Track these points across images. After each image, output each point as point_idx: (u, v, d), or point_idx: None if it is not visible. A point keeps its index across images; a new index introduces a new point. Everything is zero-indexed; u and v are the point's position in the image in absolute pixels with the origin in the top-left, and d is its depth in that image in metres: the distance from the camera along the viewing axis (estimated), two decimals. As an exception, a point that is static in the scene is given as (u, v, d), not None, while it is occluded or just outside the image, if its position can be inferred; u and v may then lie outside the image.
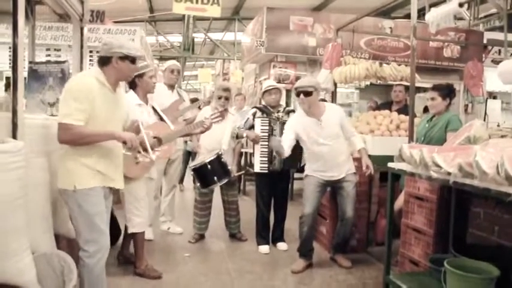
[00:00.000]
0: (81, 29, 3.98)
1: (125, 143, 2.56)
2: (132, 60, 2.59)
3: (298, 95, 3.67)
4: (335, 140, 3.69)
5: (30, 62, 4.06)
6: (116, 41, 2.60)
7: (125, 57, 2.55)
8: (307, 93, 3.62)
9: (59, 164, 2.58)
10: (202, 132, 3.70)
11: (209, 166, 4.00)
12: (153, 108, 3.71)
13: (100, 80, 2.53)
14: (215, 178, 4.03)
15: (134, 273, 3.52)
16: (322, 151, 3.68)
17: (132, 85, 3.61)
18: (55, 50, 6.68)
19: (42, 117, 2.78)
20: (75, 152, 2.49)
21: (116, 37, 2.64)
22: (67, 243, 3.09)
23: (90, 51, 6.55)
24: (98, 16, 6.53)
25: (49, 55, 6.48)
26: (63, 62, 4.25)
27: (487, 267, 2.23)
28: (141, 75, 3.56)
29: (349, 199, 3.75)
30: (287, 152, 3.61)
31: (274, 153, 4.03)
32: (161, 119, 3.64)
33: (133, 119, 2.98)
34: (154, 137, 3.34)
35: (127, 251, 3.75)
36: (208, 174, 4.04)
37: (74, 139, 2.44)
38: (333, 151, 3.68)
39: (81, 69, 4.11)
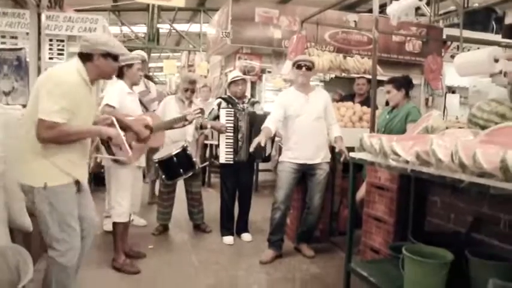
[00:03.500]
0: (39, 15, 3.84)
1: (110, 139, 2.55)
2: (115, 57, 2.53)
3: (299, 67, 3.77)
4: (316, 120, 3.73)
5: (-18, 49, 3.88)
6: (99, 38, 2.53)
7: (107, 55, 2.48)
8: (309, 68, 3.78)
9: (21, 159, 2.41)
10: (183, 126, 3.78)
11: (175, 159, 3.94)
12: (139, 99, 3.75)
13: (83, 77, 2.44)
14: (181, 171, 3.99)
15: (112, 267, 3.45)
16: (302, 126, 3.70)
17: (120, 74, 3.53)
18: (11, 37, 6.41)
19: (-4, 106, 2.66)
20: (44, 151, 2.34)
21: (97, 33, 2.56)
22: (23, 237, 2.99)
23: (50, 40, 6.34)
24: (57, 2, 6.30)
25: (4, 43, 6.21)
26: (20, 49, 4.10)
27: (442, 253, 2.30)
28: (129, 66, 3.54)
29: (319, 187, 3.81)
30: (274, 129, 3.67)
31: (240, 143, 4.05)
32: (146, 108, 3.62)
33: (105, 115, 2.90)
34: (146, 126, 3.36)
35: (125, 244, 3.66)
36: (174, 167, 3.98)
37: (58, 137, 2.32)
38: (313, 129, 3.72)
39: (39, 57, 3.94)
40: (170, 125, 3.70)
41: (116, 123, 2.78)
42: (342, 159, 3.72)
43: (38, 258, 3.34)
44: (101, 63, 2.47)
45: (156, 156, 4.05)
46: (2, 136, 2.55)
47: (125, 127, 3.03)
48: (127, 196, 3.43)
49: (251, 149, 3.49)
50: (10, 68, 3.88)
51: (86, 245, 2.74)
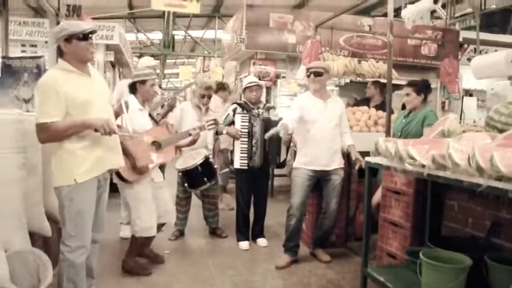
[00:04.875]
0: (58, 23, 3.93)
1: (96, 130, 2.46)
2: (79, 37, 2.47)
3: (309, 75, 3.80)
4: (334, 127, 3.74)
5: (3, 57, 3.98)
6: (56, 28, 2.54)
7: (69, 38, 2.46)
8: (318, 74, 3.77)
9: (53, 163, 2.54)
10: (193, 143, 3.78)
11: (200, 168, 3.98)
12: (149, 113, 3.71)
13: (65, 68, 2.49)
14: (205, 179, 4.01)
15: (122, 268, 3.49)
16: (320, 132, 3.70)
17: (133, 90, 3.56)
18: (31, 46, 6.54)
19: (16, 113, 2.72)
20: (68, 142, 2.46)
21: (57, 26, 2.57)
22: (43, 242, 3.04)
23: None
24: (75, 10, 6.41)
25: (24, 51, 6.35)
26: (39, 57, 4.17)
27: (460, 258, 2.27)
28: (143, 82, 3.53)
29: (334, 193, 3.80)
30: (292, 127, 3.68)
31: (254, 149, 4.06)
32: (156, 124, 3.65)
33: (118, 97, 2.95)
34: (153, 142, 3.37)
35: (147, 248, 3.70)
36: (198, 176, 4.01)
37: (51, 136, 2.43)
38: (329, 136, 3.71)
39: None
40: (178, 139, 3.65)
41: (123, 106, 2.79)
42: (357, 167, 3.69)
43: (57, 262, 3.39)
44: (69, 49, 2.48)
45: (179, 166, 4.07)
46: (23, 143, 2.60)
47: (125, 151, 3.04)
48: (147, 212, 3.35)
49: (266, 136, 3.62)
50: (30, 76, 3.95)
51: (96, 250, 2.82)
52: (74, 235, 2.51)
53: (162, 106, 4.80)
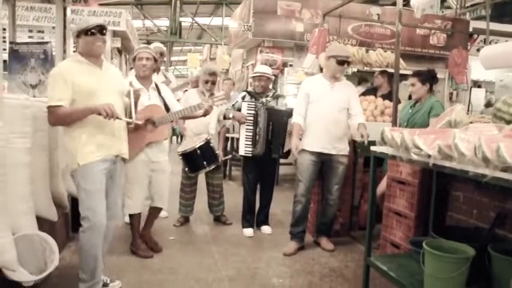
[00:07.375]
0: (64, 9, 3.93)
1: (99, 114, 2.56)
2: (86, 33, 2.62)
3: (342, 63, 3.70)
4: (339, 110, 3.70)
5: (11, 43, 3.98)
6: (73, 26, 2.79)
7: (79, 34, 2.65)
8: (349, 63, 3.86)
9: (65, 150, 2.75)
10: (203, 115, 3.57)
11: (199, 151, 3.99)
12: (158, 89, 3.60)
13: (78, 60, 2.68)
14: (204, 163, 4.03)
15: (130, 250, 3.64)
16: (323, 114, 3.68)
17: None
18: (38, 31, 6.56)
19: (23, 98, 2.73)
20: (72, 129, 2.62)
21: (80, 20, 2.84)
22: (50, 226, 3.08)
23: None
24: (82, -4, 6.42)
25: (32, 37, 6.36)
26: (46, 42, 4.17)
27: (463, 248, 2.27)
28: (133, 59, 3.55)
29: (336, 180, 3.80)
30: (303, 124, 3.75)
31: (257, 137, 4.06)
32: (164, 100, 3.58)
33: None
34: (147, 120, 3.33)
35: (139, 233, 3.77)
36: (197, 160, 4.03)
37: (59, 120, 2.60)
38: (334, 119, 3.68)
39: (64, 51, 4.05)
40: (176, 116, 3.52)
41: (131, 90, 2.89)
42: (359, 139, 3.63)
43: (63, 247, 3.43)
44: (80, 43, 2.67)
45: (180, 149, 4.10)
46: (30, 129, 2.62)
47: None
48: (134, 189, 3.47)
49: (286, 149, 3.85)
50: (37, 62, 3.95)
51: (108, 235, 2.87)
52: (84, 216, 2.63)
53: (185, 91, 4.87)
